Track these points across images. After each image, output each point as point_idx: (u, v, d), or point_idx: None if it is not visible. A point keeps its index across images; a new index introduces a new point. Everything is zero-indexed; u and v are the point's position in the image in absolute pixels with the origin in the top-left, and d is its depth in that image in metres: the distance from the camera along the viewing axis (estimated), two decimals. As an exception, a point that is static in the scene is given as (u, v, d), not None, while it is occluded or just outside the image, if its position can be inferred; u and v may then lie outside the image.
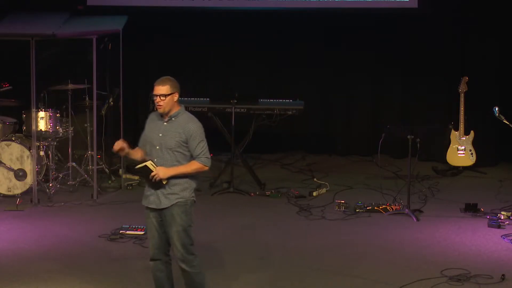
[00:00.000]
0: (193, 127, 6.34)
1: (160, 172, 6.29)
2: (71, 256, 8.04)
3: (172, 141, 6.32)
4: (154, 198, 6.40)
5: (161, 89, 6.32)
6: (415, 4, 11.76)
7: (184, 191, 6.37)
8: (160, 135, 6.36)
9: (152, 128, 6.44)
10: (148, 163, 6.30)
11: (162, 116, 6.40)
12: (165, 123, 6.38)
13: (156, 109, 6.42)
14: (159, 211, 6.38)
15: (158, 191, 6.37)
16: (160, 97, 6.32)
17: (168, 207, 6.34)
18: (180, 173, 6.34)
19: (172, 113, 6.38)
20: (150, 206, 6.43)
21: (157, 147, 6.36)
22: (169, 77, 6.44)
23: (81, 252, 8.15)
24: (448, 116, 11.68)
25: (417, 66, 12.10)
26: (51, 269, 7.65)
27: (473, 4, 11.78)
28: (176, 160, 6.34)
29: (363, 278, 7.47)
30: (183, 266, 6.36)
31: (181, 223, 6.33)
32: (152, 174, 6.30)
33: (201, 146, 6.35)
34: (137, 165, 6.34)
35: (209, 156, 6.41)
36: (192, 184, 6.42)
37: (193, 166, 6.35)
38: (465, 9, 11.83)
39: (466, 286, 7.25)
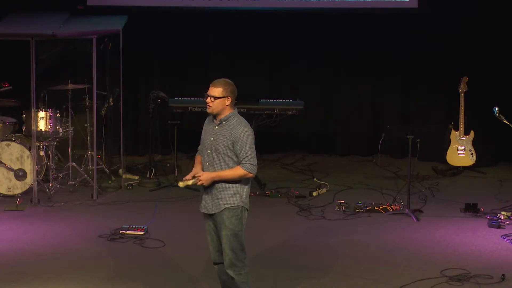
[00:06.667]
0: (239, 131, 6.24)
1: (203, 177, 6.22)
2: (71, 256, 8.04)
3: (220, 145, 6.24)
4: (205, 204, 6.35)
5: (213, 90, 6.26)
6: (415, 4, 11.76)
7: (233, 197, 6.26)
8: (212, 139, 6.30)
9: (206, 132, 6.39)
10: (181, 184, 6.31)
11: (215, 119, 6.34)
12: (216, 127, 6.32)
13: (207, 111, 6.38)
14: (212, 216, 6.33)
15: (208, 196, 6.31)
16: (210, 98, 6.26)
17: (219, 212, 6.28)
18: (223, 178, 6.23)
19: (222, 116, 6.30)
20: (201, 211, 6.38)
21: (209, 151, 6.30)
22: (226, 80, 6.37)
23: (81, 252, 8.15)
24: (448, 116, 11.68)
25: (417, 66, 12.09)
26: (51, 269, 7.65)
27: (473, 4, 11.78)
28: (226, 165, 6.25)
29: (363, 278, 7.47)
30: (230, 272, 6.29)
31: (231, 227, 6.24)
32: (197, 181, 6.24)
33: (246, 151, 6.22)
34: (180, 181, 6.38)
35: (255, 163, 6.27)
36: (244, 189, 6.31)
37: (237, 172, 6.23)
38: (465, 9, 11.83)
39: (466, 286, 7.26)
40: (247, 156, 6.23)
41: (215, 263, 6.48)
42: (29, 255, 8.05)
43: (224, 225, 6.27)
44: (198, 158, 6.52)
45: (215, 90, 6.28)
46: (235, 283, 6.34)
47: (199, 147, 6.51)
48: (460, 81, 11.25)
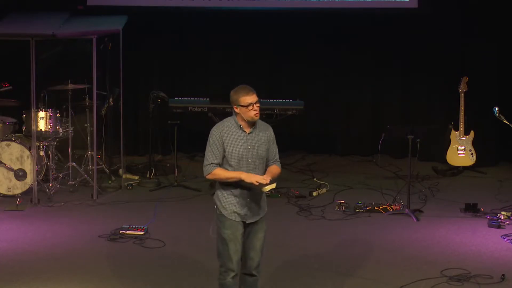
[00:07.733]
0: (271, 132, 6.33)
1: (269, 180, 6.20)
2: (71, 256, 8.04)
3: (262, 150, 6.24)
4: (251, 214, 6.31)
5: (256, 97, 6.17)
6: (415, 4, 11.76)
7: (266, 198, 6.45)
8: (249, 147, 6.20)
9: (234, 142, 6.20)
10: (267, 189, 6.24)
11: (239, 127, 6.19)
12: (248, 134, 6.22)
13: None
14: (250, 223, 6.32)
15: (252, 204, 6.30)
16: (255, 105, 6.16)
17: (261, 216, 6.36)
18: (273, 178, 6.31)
19: (254, 122, 6.27)
20: (251, 221, 6.32)
21: (249, 160, 6.19)
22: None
23: (81, 252, 8.15)
24: (448, 116, 11.68)
25: (417, 66, 12.10)
26: (51, 269, 7.65)
27: (473, 4, 11.78)
28: (263, 168, 6.30)
29: (363, 278, 7.47)
30: (255, 272, 6.38)
31: (265, 228, 6.43)
32: (271, 186, 6.20)
33: (277, 150, 6.38)
34: (263, 187, 6.19)
35: None
36: None
37: (278, 170, 6.34)
38: (465, 9, 11.83)
39: (466, 286, 7.26)
40: (278, 155, 6.38)
41: (233, 276, 6.28)
42: (29, 255, 8.05)
43: (262, 228, 6.39)
44: (224, 170, 6.24)
45: (256, 97, 6.21)
46: (255, 283, 6.40)
47: (215, 160, 6.16)
48: (460, 81, 11.25)
